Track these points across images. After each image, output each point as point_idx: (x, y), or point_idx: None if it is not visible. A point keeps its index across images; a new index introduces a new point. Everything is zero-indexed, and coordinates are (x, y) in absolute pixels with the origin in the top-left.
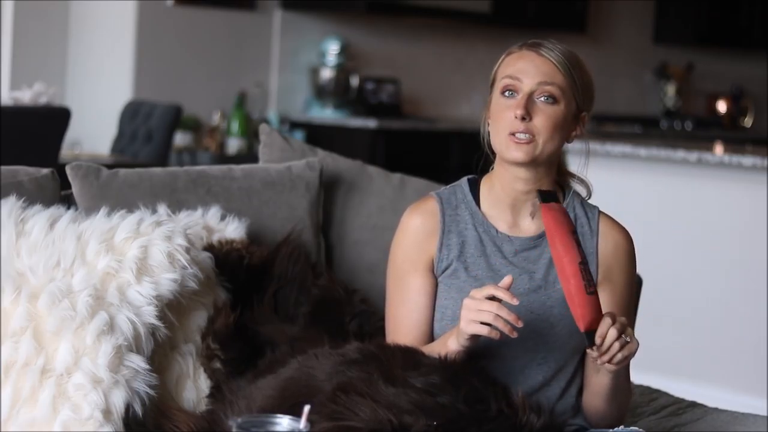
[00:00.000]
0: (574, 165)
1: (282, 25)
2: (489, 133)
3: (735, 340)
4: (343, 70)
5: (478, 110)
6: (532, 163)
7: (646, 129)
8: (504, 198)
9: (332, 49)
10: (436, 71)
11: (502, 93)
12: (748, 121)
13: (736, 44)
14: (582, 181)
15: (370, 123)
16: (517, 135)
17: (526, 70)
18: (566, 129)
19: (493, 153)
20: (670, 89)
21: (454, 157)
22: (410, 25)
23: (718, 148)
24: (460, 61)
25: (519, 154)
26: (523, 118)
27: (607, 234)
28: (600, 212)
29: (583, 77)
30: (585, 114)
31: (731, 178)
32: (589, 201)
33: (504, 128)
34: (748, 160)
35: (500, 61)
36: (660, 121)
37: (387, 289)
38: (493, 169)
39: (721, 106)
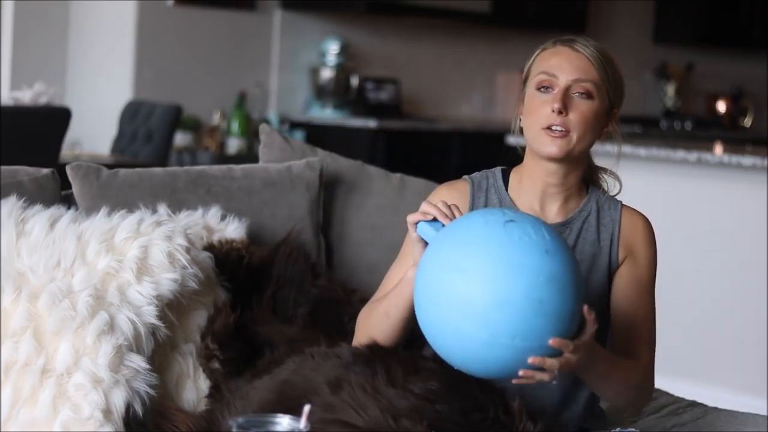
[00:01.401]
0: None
1: (282, 25)
2: (521, 128)
3: (735, 340)
4: (343, 70)
5: (479, 110)
6: (565, 158)
7: (646, 129)
8: (532, 190)
9: (332, 49)
10: (436, 71)
11: (538, 89)
12: (747, 121)
13: (736, 44)
14: (613, 174)
15: (370, 123)
16: (553, 127)
17: (562, 66)
18: (599, 125)
19: (523, 148)
20: (670, 89)
21: (454, 157)
22: (410, 25)
23: (718, 148)
24: (460, 61)
25: (554, 148)
26: (560, 112)
27: (627, 220)
28: (622, 205)
29: (615, 73)
30: (616, 110)
31: (731, 178)
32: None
33: (539, 122)
34: (747, 160)
35: (534, 57)
36: (660, 121)
37: (396, 260)
38: (521, 162)
39: (721, 106)
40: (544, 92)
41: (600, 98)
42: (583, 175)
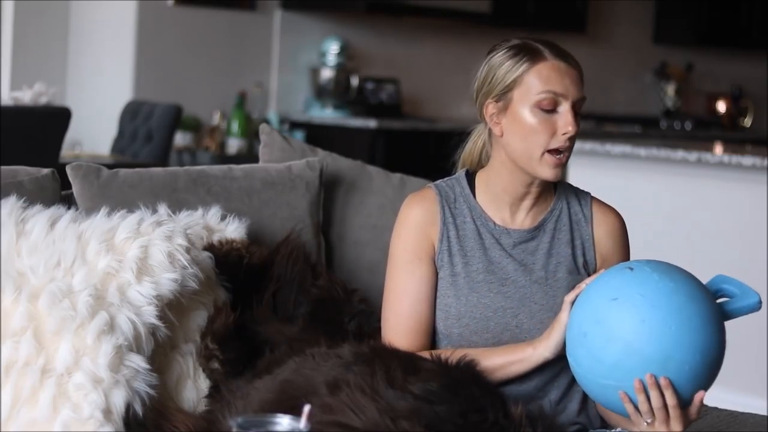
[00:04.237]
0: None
1: (282, 25)
2: (508, 141)
3: (735, 340)
4: (343, 70)
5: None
6: None
7: (646, 129)
8: (503, 196)
9: (332, 49)
10: (436, 71)
11: (540, 108)
12: (747, 121)
13: (736, 44)
14: None
15: (370, 123)
16: (561, 152)
17: (567, 86)
18: None
19: (485, 154)
20: (670, 89)
21: (454, 157)
22: (410, 25)
23: (718, 148)
24: (460, 61)
25: (557, 172)
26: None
27: (600, 218)
28: (592, 198)
29: None
30: None
31: (731, 178)
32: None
33: (543, 144)
34: (747, 160)
35: (524, 66)
36: (660, 121)
37: (386, 283)
38: (487, 165)
39: (721, 107)
40: (549, 111)
41: None
42: None
